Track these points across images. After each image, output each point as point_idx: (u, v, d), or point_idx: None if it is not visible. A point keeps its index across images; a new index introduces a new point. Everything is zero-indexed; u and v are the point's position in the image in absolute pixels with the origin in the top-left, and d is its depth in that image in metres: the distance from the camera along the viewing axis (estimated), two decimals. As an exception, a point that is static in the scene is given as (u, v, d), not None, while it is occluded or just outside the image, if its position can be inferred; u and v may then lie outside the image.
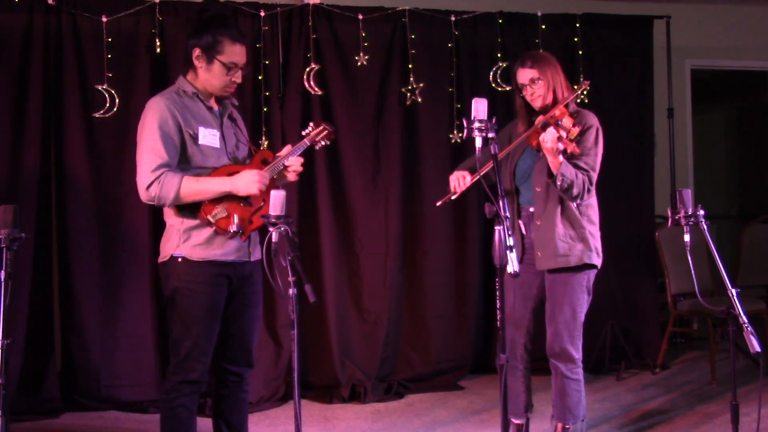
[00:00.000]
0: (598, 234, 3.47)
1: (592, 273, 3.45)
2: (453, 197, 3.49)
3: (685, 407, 4.45)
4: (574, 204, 3.37)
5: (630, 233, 5.44)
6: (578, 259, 3.37)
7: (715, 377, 4.95)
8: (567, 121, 3.22)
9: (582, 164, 3.32)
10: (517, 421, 3.61)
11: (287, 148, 3.21)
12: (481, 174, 3.23)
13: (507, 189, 3.51)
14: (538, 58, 3.45)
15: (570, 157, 3.28)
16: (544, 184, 3.37)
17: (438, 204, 3.54)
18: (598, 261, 3.44)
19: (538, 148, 3.32)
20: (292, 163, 3.17)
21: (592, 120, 3.42)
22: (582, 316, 3.44)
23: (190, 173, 2.95)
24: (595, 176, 3.36)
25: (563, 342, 3.39)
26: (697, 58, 6.65)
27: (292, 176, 3.20)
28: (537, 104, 3.43)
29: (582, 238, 3.38)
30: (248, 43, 3.16)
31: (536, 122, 3.34)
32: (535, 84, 3.40)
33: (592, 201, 3.45)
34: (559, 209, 3.38)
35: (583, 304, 3.43)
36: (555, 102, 3.39)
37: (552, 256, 3.37)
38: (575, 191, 3.27)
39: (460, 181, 3.46)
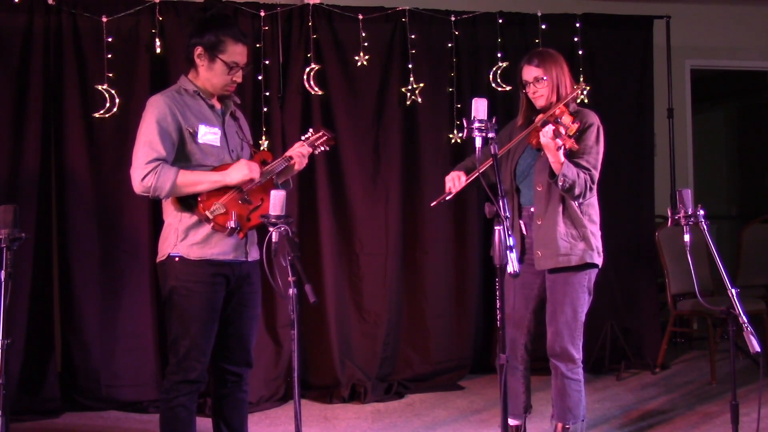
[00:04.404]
0: (599, 233, 3.46)
1: (593, 272, 3.45)
2: (447, 198, 3.48)
3: (685, 407, 4.45)
4: (576, 203, 3.37)
5: (630, 233, 5.44)
6: (580, 258, 3.36)
7: (715, 377, 4.95)
8: (566, 119, 3.22)
9: (584, 163, 3.31)
10: (514, 423, 3.60)
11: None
12: (477, 174, 3.21)
13: (507, 188, 3.50)
14: (545, 57, 3.43)
15: (570, 155, 3.27)
16: (546, 184, 3.36)
17: (432, 205, 3.52)
18: (599, 260, 3.43)
19: (539, 147, 3.31)
20: (299, 150, 3.16)
21: (593, 119, 3.42)
22: (583, 316, 3.43)
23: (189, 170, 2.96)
24: (596, 175, 3.36)
25: (564, 342, 3.39)
26: (697, 58, 6.65)
27: (298, 164, 3.17)
28: (539, 103, 3.42)
29: (584, 237, 3.38)
30: (250, 43, 3.17)
31: (536, 120, 3.34)
32: (539, 83, 3.39)
33: (593, 200, 3.45)
34: (560, 208, 3.37)
35: (584, 304, 3.43)
36: (558, 101, 3.38)
37: (553, 255, 3.37)
38: (577, 191, 3.26)
39: (455, 181, 3.45)
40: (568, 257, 3.35)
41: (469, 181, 3.42)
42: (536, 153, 3.41)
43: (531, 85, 3.41)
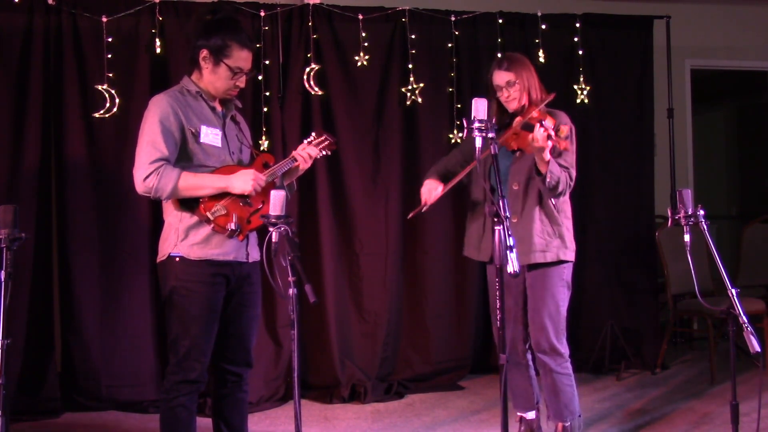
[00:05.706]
0: (572, 228, 3.52)
1: (569, 267, 3.50)
2: (423, 209, 3.53)
3: (685, 407, 4.45)
4: (552, 201, 3.40)
5: (630, 233, 5.44)
6: (554, 255, 3.42)
7: (715, 377, 4.95)
8: (549, 122, 3.25)
9: (562, 162, 3.37)
10: (529, 417, 3.64)
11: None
12: (451, 186, 3.29)
13: (479, 196, 3.53)
14: (514, 60, 3.48)
15: (556, 155, 3.31)
16: (522, 183, 3.42)
17: (409, 217, 3.63)
18: (572, 256, 3.49)
19: (516, 149, 3.34)
20: (307, 151, 3.20)
21: (567, 120, 3.48)
22: (564, 311, 3.48)
23: (191, 171, 2.96)
24: (574, 173, 3.42)
25: (550, 337, 3.42)
26: (697, 58, 6.66)
27: (302, 164, 3.20)
28: (512, 106, 3.46)
29: (559, 234, 3.44)
30: (255, 49, 3.17)
31: (514, 124, 3.36)
32: (512, 87, 3.43)
33: (565, 197, 3.49)
34: (537, 206, 3.42)
35: (565, 298, 3.48)
36: (530, 104, 3.42)
37: (528, 251, 3.40)
38: (561, 188, 3.32)
39: (431, 192, 3.50)
40: (543, 254, 3.41)
41: (445, 191, 3.48)
42: (511, 155, 3.44)
43: (503, 89, 3.44)
